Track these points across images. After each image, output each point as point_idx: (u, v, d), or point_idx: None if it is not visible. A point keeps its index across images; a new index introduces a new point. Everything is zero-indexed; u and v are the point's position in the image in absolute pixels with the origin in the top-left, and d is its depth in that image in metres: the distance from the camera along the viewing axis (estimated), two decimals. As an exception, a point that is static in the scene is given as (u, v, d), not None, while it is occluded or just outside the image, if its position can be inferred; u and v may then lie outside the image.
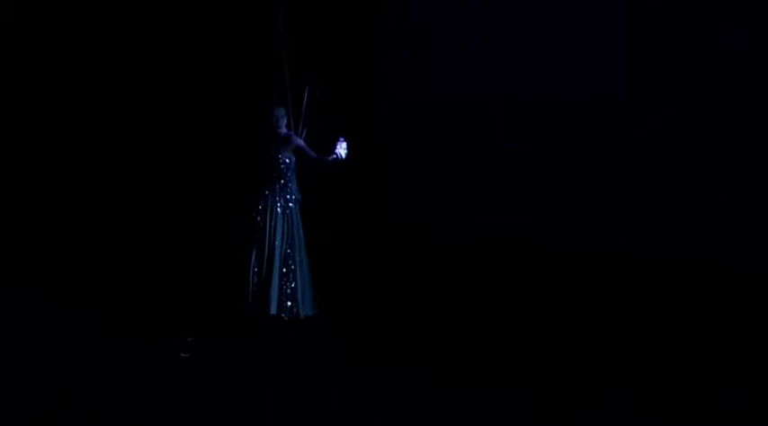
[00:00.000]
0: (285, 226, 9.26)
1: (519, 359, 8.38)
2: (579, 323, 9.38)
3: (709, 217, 9.90)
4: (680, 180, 10.09)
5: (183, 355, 8.10)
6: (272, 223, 9.23)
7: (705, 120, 9.94)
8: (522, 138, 10.88)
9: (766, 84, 9.56)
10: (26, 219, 11.19)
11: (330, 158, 9.17)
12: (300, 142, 9.32)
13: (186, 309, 9.36)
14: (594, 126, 10.54)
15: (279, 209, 9.27)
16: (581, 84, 10.59)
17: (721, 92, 9.83)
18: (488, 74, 11.08)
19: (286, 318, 9.17)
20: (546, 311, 9.76)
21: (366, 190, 11.06)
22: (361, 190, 10.99)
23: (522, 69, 10.92)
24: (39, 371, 7.74)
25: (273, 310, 9.12)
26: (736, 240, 9.73)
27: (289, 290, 9.20)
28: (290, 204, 9.31)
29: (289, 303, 9.19)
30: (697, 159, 10.00)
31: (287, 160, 9.29)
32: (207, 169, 10.96)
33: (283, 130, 9.32)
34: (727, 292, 9.48)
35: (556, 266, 10.38)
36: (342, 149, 9.15)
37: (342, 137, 9.17)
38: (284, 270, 9.21)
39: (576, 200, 10.59)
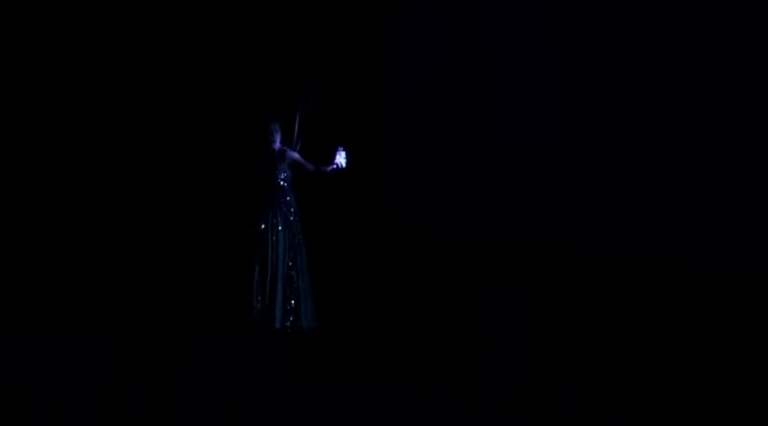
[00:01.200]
0: (286, 240, 9.31)
1: (519, 360, 8.42)
2: (578, 324, 9.40)
3: (709, 217, 9.92)
4: (679, 179, 10.11)
5: (184, 366, 8.16)
6: (274, 239, 9.28)
7: (697, 111, 9.97)
8: (523, 139, 10.88)
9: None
10: (33, 234, 11.20)
11: (329, 168, 9.24)
12: (295, 155, 9.35)
13: (191, 322, 9.43)
14: (594, 126, 10.54)
15: (280, 225, 9.31)
16: (580, 84, 10.57)
17: (719, 90, 9.86)
18: (488, 74, 11.06)
19: (289, 331, 9.23)
20: (545, 312, 9.79)
21: (366, 191, 11.05)
22: (362, 190, 10.98)
23: (522, 69, 10.90)
24: (41, 372, 7.81)
25: (278, 324, 9.20)
26: (736, 240, 9.76)
27: (292, 303, 9.27)
28: (290, 218, 9.35)
29: (291, 316, 9.27)
30: (695, 158, 10.01)
31: (283, 174, 9.33)
32: (206, 186, 10.95)
33: (278, 145, 9.34)
34: (728, 292, 9.52)
35: (555, 266, 10.41)
36: (341, 159, 9.19)
37: (341, 146, 9.20)
38: (287, 282, 9.28)
39: (575, 201, 10.59)
